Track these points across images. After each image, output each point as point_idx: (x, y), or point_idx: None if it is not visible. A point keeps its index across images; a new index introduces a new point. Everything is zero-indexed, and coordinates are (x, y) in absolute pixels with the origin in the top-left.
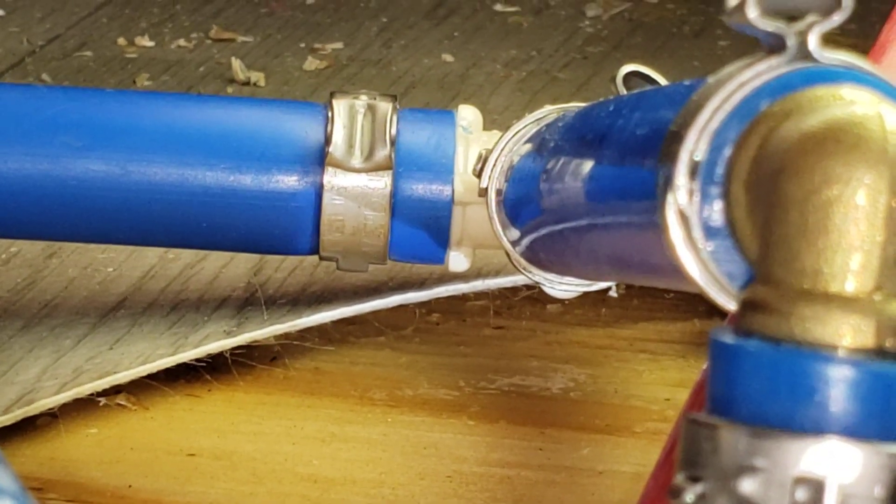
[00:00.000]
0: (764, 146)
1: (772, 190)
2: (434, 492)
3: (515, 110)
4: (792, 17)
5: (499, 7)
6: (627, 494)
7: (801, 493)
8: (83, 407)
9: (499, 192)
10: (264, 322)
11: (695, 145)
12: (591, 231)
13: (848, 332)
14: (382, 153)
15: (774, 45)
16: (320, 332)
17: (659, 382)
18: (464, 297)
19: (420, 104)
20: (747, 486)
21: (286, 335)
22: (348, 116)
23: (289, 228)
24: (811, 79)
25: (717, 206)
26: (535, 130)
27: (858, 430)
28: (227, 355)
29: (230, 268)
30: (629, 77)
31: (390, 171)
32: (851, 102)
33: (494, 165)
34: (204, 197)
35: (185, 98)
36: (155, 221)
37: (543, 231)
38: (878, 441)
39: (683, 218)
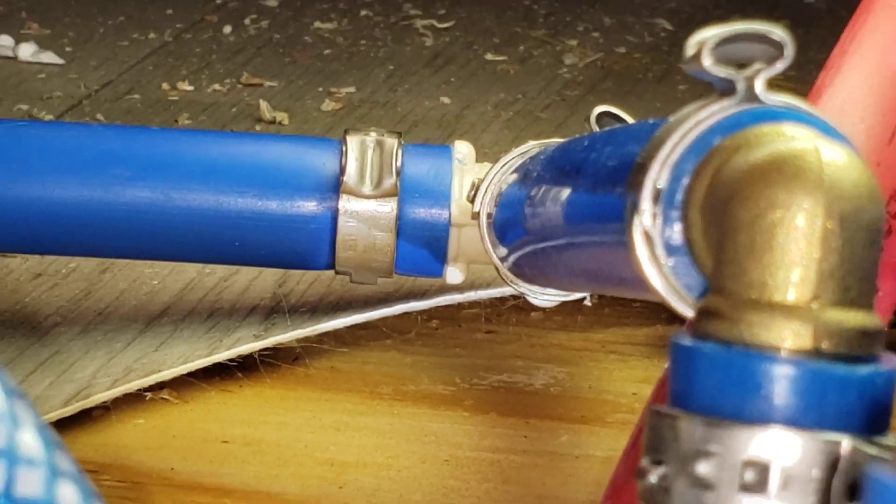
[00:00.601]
0: (717, 176)
1: (724, 214)
2: (434, 473)
3: (503, 145)
4: (741, 65)
5: (489, 56)
6: (600, 476)
7: (749, 475)
8: (132, 401)
9: (489, 216)
10: (288, 327)
11: (658, 175)
12: (569, 249)
13: (789, 336)
14: (389, 182)
15: (726, 89)
16: (336, 336)
17: (627, 379)
18: (459, 306)
19: (421, 140)
20: (703, 468)
21: (307, 339)
22: (360, 150)
23: (309, 247)
24: (758, 118)
25: (677, 228)
26: (520, 163)
27: (798, 421)
28: (256, 356)
29: (258, 281)
30: (601, 116)
31: (396, 198)
32: (792, 138)
33: (485, 192)
34: (236, 220)
35: (219, 135)
36: (194, 241)
37: (527, 249)
38: (816, 430)
39: (648, 238)
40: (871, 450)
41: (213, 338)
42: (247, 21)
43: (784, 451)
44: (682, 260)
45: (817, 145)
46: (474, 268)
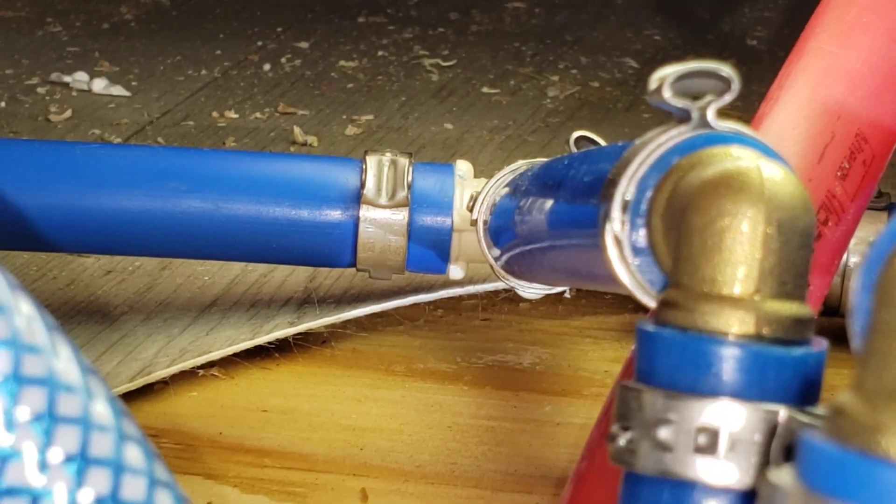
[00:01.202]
0: (675, 189)
1: (681, 221)
2: (438, 437)
3: (497, 164)
4: (695, 97)
5: (485, 89)
6: (577, 439)
7: (702, 439)
8: (187, 377)
9: (485, 223)
10: (317, 315)
11: (626, 189)
12: (551, 250)
13: (735, 323)
14: (402, 194)
15: (683, 117)
16: (357, 322)
17: (600, 359)
18: (460, 298)
19: (428, 159)
20: (663, 433)
21: (333, 325)
22: (377, 168)
23: (334, 248)
24: (709, 141)
25: (642, 233)
26: (511, 178)
27: (743, 393)
28: (291, 339)
29: (293, 277)
30: (579, 140)
31: (407, 208)
32: (738, 158)
33: (482, 203)
34: (273, 226)
35: (259, 155)
36: (238, 244)
37: (517, 250)
38: (758, 401)
39: (617, 241)
40: (804, 418)
41: (255, 324)
42: (283, 60)
43: (731, 419)
44: (646, 259)
45: (759, 164)
46: (473, 266)
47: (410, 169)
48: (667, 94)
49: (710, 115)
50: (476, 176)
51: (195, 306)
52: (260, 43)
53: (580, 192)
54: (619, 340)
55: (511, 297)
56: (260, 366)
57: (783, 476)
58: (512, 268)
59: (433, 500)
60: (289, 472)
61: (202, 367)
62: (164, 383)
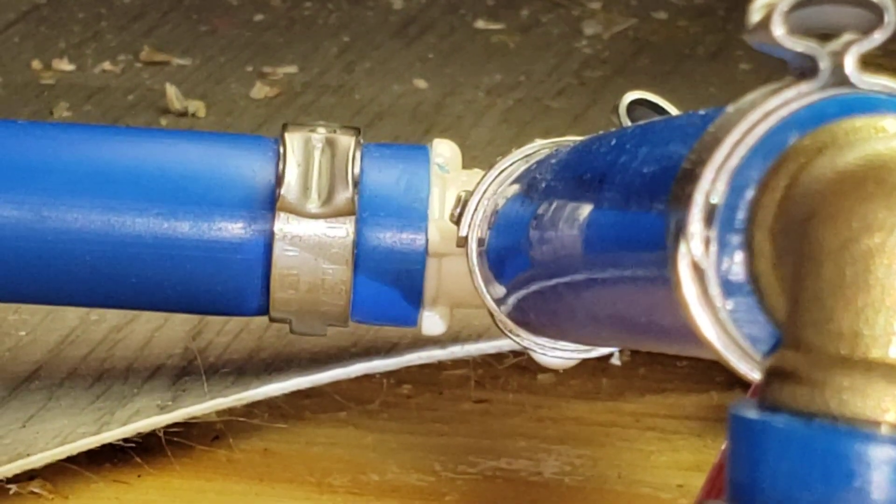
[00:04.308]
0: (793, 187)
1: (802, 238)
2: None
3: (500, 145)
4: (825, 36)
5: (481, 24)
6: None
7: None
8: None
9: (481, 242)
10: (205, 395)
11: (711, 186)
12: (590, 287)
13: (893, 406)
14: (344, 196)
15: (805, 69)
16: (270, 406)
17: (670, 465)
18: (440, 366)
19: (388, 138)
20: None
21: (230, 411)
22: (303, 153)
23: (234, 284)
24: (848, 108)
25: (738, 258)
26: (523, 169)
27: None
28: (161, 434)
29: (164, 331)
30: (634, 106)
31: (353, 217)
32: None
33: (476, 210)
34: (133, 248)
35: (111, 131)
36: (75, 276)
37: (534, 287)
38: None
39: (698, 271)
40: None
41: (103, 409)
42: None
43: None
44: (744, 302)
45: None
46: (460, 314)
47: (358, 154)
48: (779, 31)
49: (850, 65)
50: (466, 165)
51: (4, 381)
52: None
53: (636, 191)
54: (699, 435)
55: (524, 364)
56: (111, 478)
57: None
58: (525, 316)
59: None
60: None
61: (16, 479)
62: None
